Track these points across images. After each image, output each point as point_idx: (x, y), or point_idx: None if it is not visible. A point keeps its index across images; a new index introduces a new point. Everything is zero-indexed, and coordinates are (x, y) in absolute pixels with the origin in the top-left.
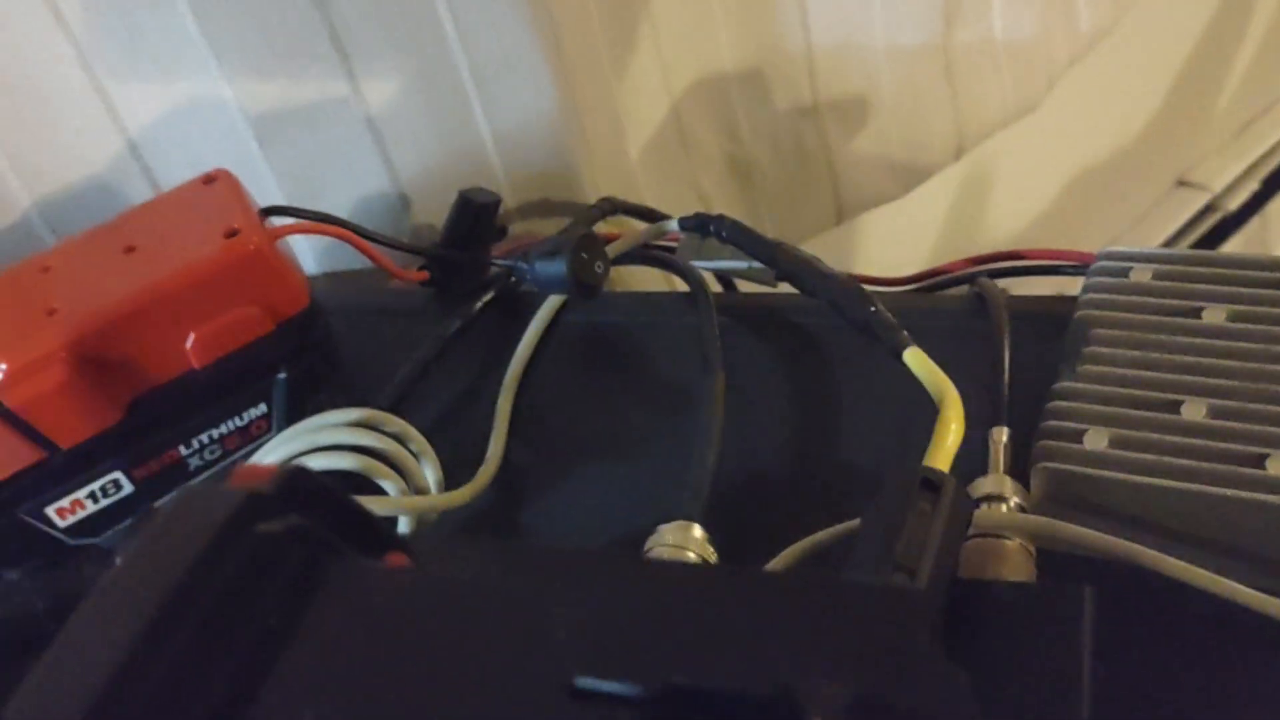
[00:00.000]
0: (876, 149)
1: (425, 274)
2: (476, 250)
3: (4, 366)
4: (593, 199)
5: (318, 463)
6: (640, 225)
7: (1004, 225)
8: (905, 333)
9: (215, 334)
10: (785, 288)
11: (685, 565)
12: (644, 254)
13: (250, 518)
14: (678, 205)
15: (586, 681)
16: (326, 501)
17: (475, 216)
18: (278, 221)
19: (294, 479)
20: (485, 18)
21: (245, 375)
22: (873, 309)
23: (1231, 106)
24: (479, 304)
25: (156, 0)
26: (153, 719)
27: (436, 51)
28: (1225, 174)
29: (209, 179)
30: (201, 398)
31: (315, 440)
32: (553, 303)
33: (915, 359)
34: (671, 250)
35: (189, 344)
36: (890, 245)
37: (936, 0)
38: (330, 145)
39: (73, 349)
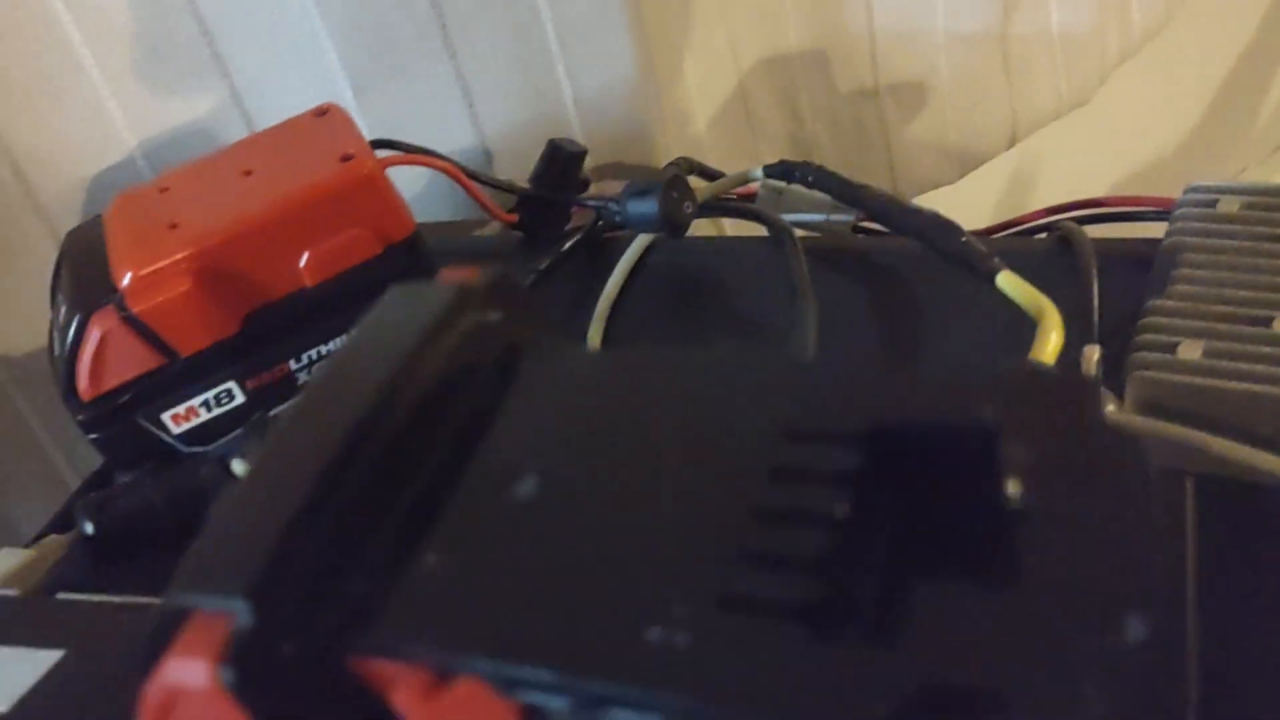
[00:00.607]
0: (933, 134)
1: (514, 217)
2: (562, 194)
3: (130, 274)
4: (664, 164)
5: None
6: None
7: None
8: (997, 258)
9: (328, 253)
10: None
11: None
12: (724, 204)
13: (461, 309)
14: None
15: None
16: (522, 302)
17: (564, 165)
18: (384, 154)
19: (499, 279)
20: None
21: (354, 295)
22: (964, 239)
23: (1274, 120)
24: (569, 244)
25: None
26: (379, 487)
27: (526, 11)
28: None
29: (320, 111)
30: (312, 314)
31: None
32: (640, 243)
33: (1009, 281)
34: (750, 201)
35: (303, 262)
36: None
37: None
38: (422, 97)
39: (195, 260)
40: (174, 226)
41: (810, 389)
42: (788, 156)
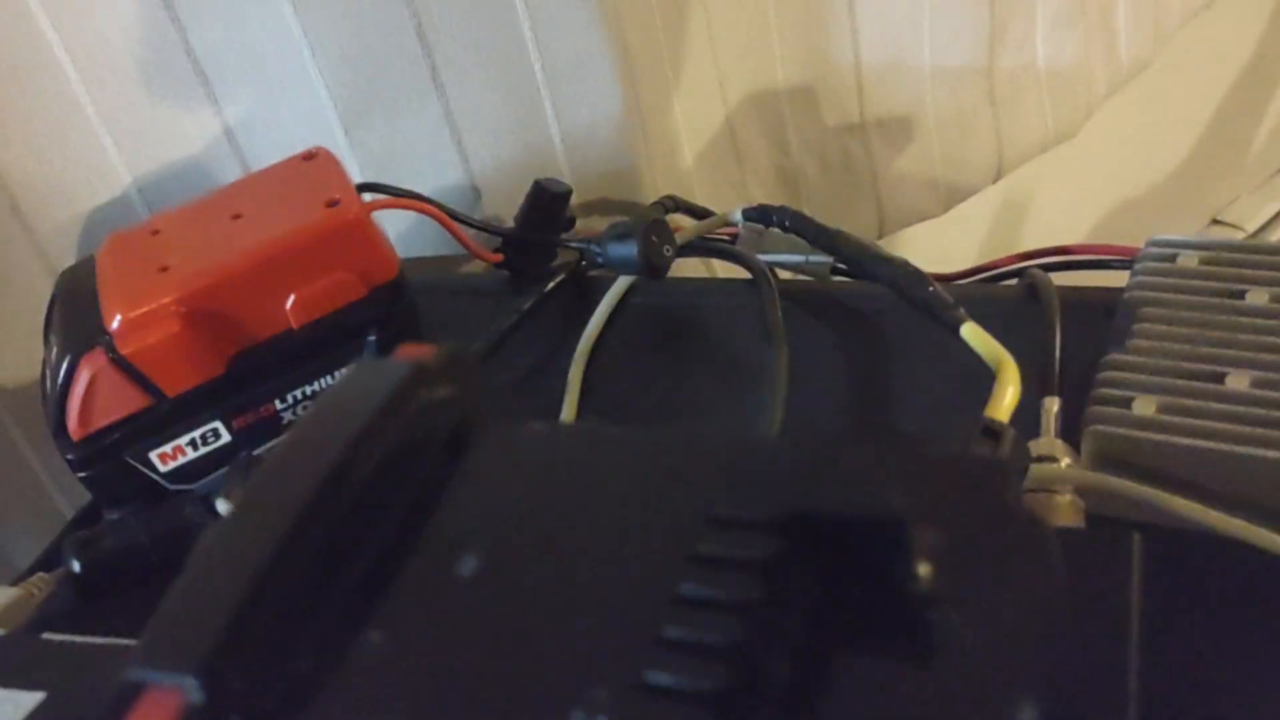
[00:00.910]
0: (919, 167)
1: (499, 256)
2: (549, 236)
3: (120, 317)
4: (651, 199)
5: None
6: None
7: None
8: (962, 309)
9: (313, 296)
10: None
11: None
12: (705, 244)
13: (416, 385)
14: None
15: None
16: (475, 378)
17: (549, 204)
18: (370, 197)
19: (453, 355)
20: (560, 22)
21: (338, 336)
22: (931, 288)
23: (1266, 149)
24: (552, 284)
25: None
26: (330, 562)
27: (514, 51)
28: (1259, 215)
29: (309, 155)
30: (298, 355)
31: None
32: (621, 284)
33: (972, 333)
34: (731, 242)
35: (289, 305)
36: (927, 262)
37: (983, 25)
38: (411, 135)
39: (183, 303)
40: (164, 269)
41: (737, 472)
42: (775, 189)
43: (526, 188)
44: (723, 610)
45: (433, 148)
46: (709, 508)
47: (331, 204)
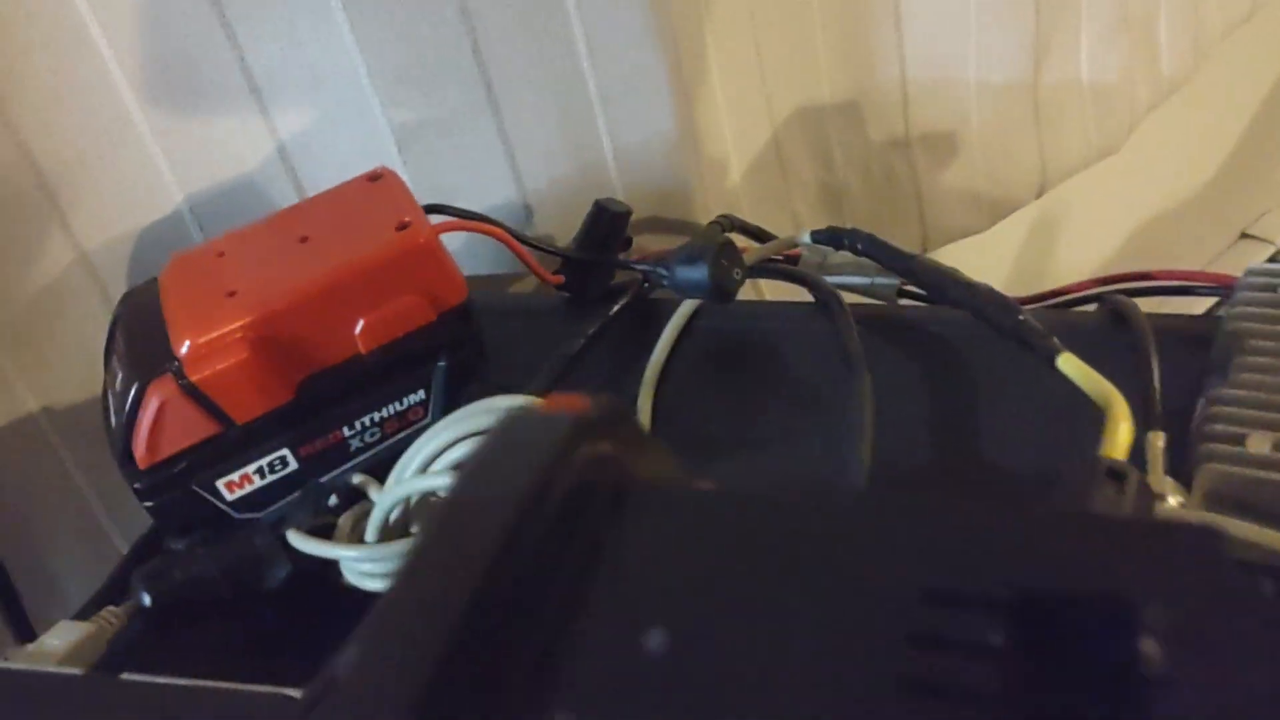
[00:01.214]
0: (963, 183)
1: (560, 278)
2: (610, 257)
3: (189, 343)
4: (702, 217)
5: None
6: (753, 243)
7: (1078, 264)
8: (1056, 339)
9: (383, 321)
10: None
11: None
12: (772, 267)
13: (580, 440)
14: (772, 227)
15: (936, 586)
16: (633, 430)
17: (609, 224)
18: (436, 219)
19: (612, 407)
20: (614, 41)
21: (407, 362)
22: (1021, 316)
23: None
24: (617, 306)
25: (316, 9)
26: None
27: (569, 70)
28: None
29: (373, 176)
30: (366, 381)
31: (492, 420)
32: (687, 308)
33: (1070, 364)
34: (791, 264)
35: (358, 330)
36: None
37: (1027, 41)
38: (464, 154)
39: (253, 329)
40: (232, 294)
41: (932, 540)
42: (818, 206)
43: (578, 206)
44: (954, 699)
45: (486, 166)
46: (913, 579)
47: (402, 226)
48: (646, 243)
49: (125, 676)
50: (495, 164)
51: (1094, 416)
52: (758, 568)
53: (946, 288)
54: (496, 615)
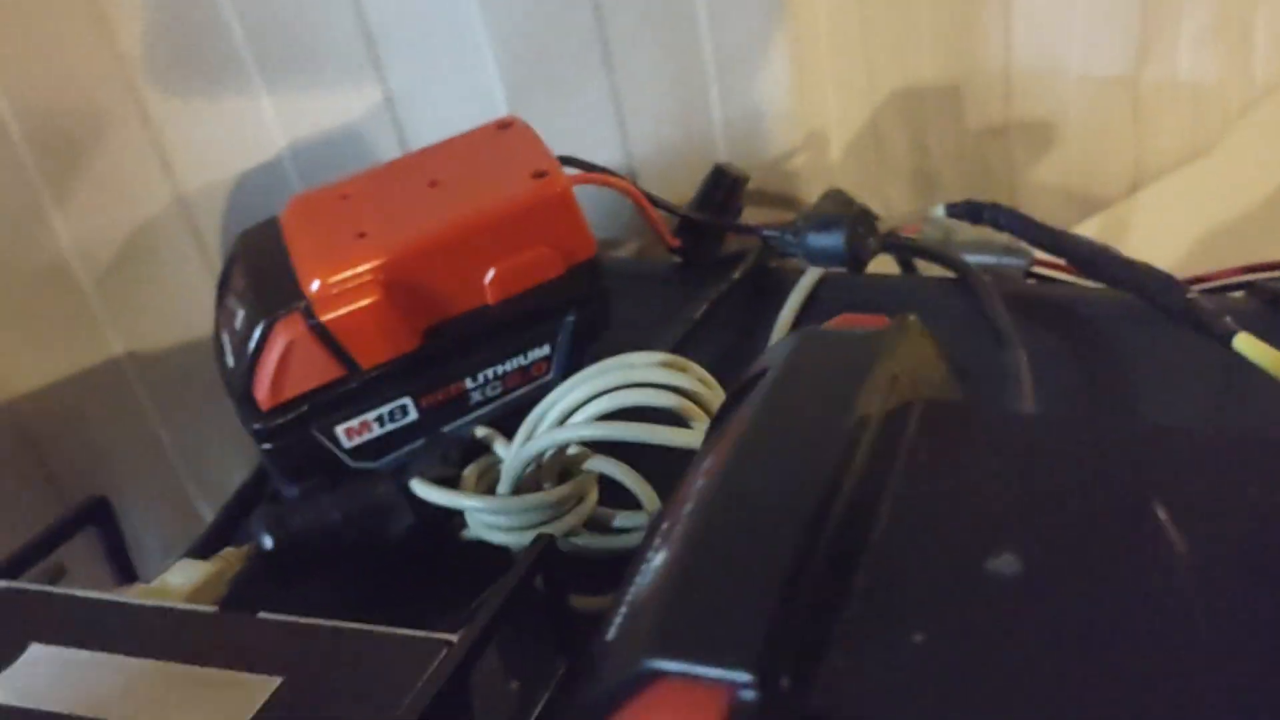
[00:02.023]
0: (1057, 175)
1: (677, 241)
2: (734, 220)
3: (319, 282)
4: (801, 191)
5: (631, 398)
6: None
7: (1166, 263)
8: (1229, 318)
9: (513, 271)
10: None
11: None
12: (901, 240)
13: (888, 359)
14: None
15: None
16: (934, 351)
17: (729, 188)
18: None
19: (912, 327)
20: (736, 7)
21: (535, 315)
22: (1190, 296)
23: None
24: (740, 270)
25: None
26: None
27: (687, 34)
28: None
29: (503, 124)
30: (492, 333)
31: (630, 376)
32: (812, 276)
33: (1248, 344)
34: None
35: (487, 279)
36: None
37: (1131, 35)
38: (574, 112)
39: (385, 271)
40: (362, 235)
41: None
42: (910, 191)
43: (682, 173)
44: None
45: (595, 126)
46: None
47: (538, 175)
48: (747, 214)
49: (262, 615)
50: (604, 124)
51: (1266, 397)
52: (1090, 493)
53: (1104, 265)
54: (834, 533)
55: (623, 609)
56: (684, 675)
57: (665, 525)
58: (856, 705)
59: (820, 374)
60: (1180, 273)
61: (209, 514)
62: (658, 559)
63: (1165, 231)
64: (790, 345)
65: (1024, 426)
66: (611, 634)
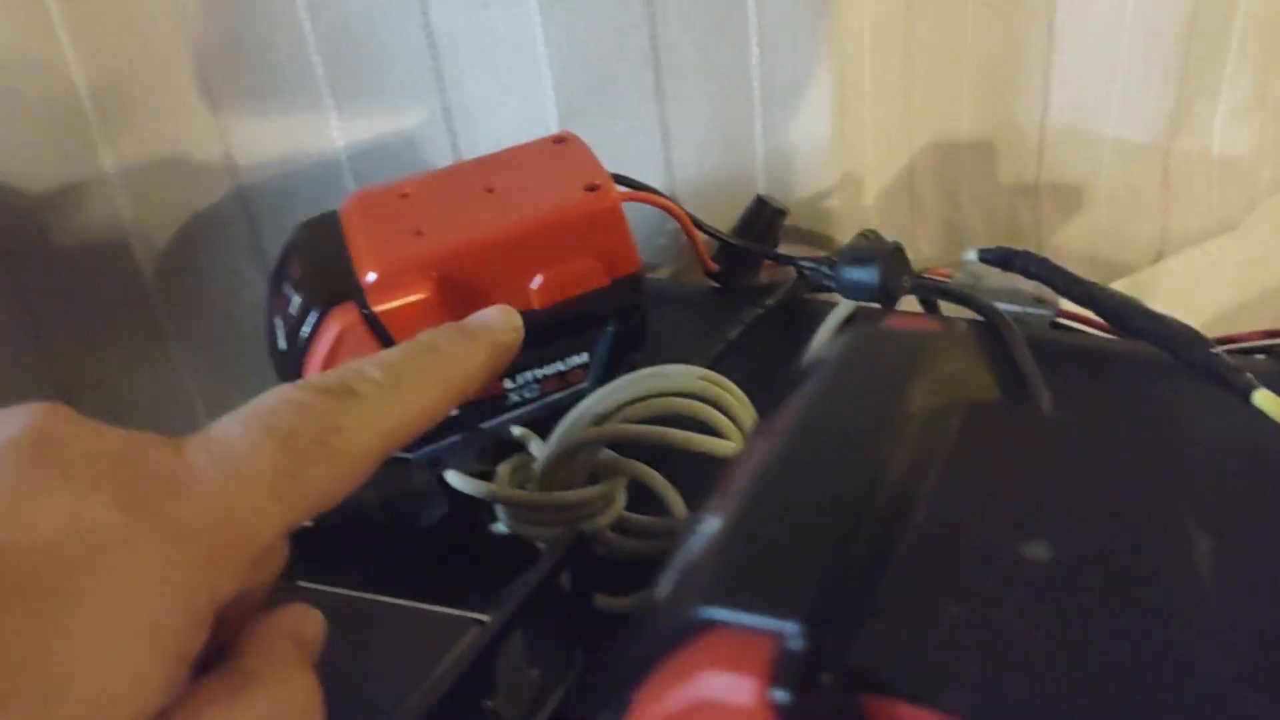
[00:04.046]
0: (1084, 238)
1: (715, 266)
2: (766, 249)
3: (374, 273)
4: (837, 231)
5: (665, 406)
6: None
7: None
8: (1250, 374)
9: (560, 279)
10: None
11: None
12: (934, 284)
13: (936, 358)
14: None
15: None
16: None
17: (769, 219)
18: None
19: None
20: (786, 44)
21: (577, 323)
22: (1213, 350)
23: None
24: (774, 297)
25: None
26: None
27: (738, 67)
28: None
29: (558, 139)
30: (535, 337)
31: (665, 384)
32: (844, 309)
33: (1268, 400)
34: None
35: (535, 284)
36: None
37: (1168, 103)
38: (623, 136)
39: (438, 268)
40: (419, 233)
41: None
42: (940, 242)
43: (720, 202)
44: None
45: (641, 151)
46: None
47: (591, 188)
48: (780, 248)
49: (303, 584)
50: (650, 150)
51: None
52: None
53: (1131, 317)
54: (882, 509)
55: (674, 572)
56: (737, 625)
57: (715, 498)
58: (894, 663)
59: (876, 365)
60: None
61: None
62: (712, 525)
63: (1187, 301)
64: (849, 337)
65: (1062, 425)
66: (663, 591)
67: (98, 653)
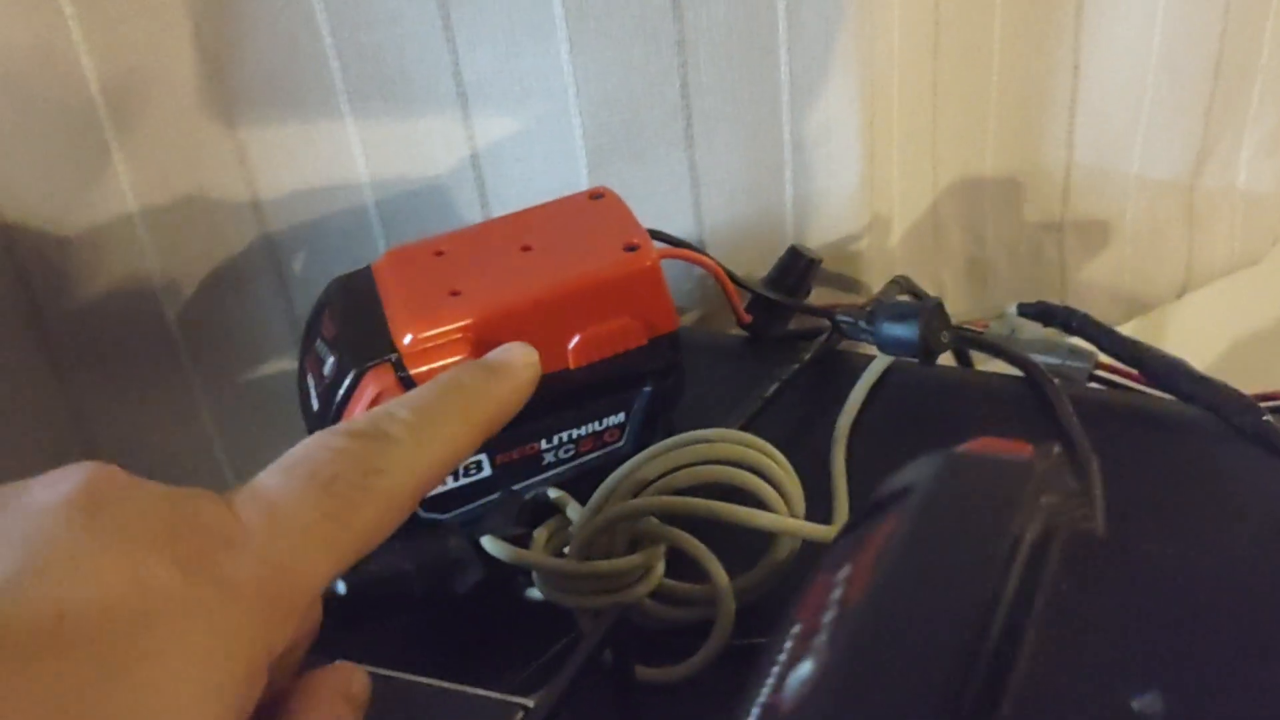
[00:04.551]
0: (1108, 275)
1: (749, 317)
2: (801, 303)
3: (411, 336)
4: (862, 273)
5: (707, 474)
6: None
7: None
8: None
9: (597, 339)
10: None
11: None
12: (972, 337)
13: (1040, 488)
14: None
15: None
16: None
17: (803, 270)
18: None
19: (1061, 456)
20: (817, 89)
21: (614, 383)
22: (1265, 417)
23: None
24: (810, 352)
25: (539, 23)
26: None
27: (768, 113)
28: None
29: (595, 194)
30: (572, 397)
31: (706, 452)
32: (880, 363)
33: None
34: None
35: (572, 344)
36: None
37: (1193, 141)
38: (652, 183)
39: (475, 330)
40: (455, 293)
41: None
42: (965, 281)
43: (749, 248)
44: None
45: (670, 199)
46: None
47: (630, 248)
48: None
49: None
50: (680, 197)
51: None
52: (1234, 633)
53: (1178, 379)
54: (985, 660)
55: (759, 710)
56: None
57: (799, 629)
58: None
59: (971, 499)
60: (1216, 374)
61: None
62: (805, 669)
63: (1204, 334)
64: (937, 467)
65: (1165, 562)
66: None
67: (166, 714)
